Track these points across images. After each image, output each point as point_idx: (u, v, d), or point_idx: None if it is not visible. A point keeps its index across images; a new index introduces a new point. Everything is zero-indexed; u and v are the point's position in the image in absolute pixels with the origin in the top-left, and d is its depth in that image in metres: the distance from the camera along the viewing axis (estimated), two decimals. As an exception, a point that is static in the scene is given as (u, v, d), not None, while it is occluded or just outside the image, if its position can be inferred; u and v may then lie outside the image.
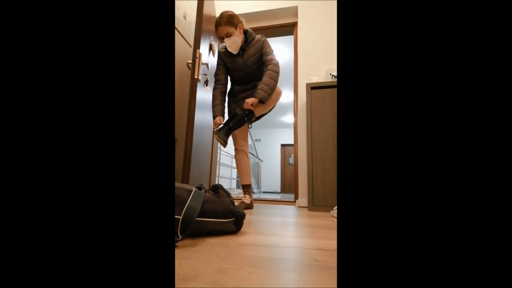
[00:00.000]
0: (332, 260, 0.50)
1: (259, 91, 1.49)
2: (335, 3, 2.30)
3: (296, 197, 2.08)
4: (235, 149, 1.65)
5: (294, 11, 2.45)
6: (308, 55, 2.25)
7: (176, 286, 0.34)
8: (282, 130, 8.67)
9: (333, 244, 0.65)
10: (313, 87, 1.81)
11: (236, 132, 1.63)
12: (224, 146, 1.52)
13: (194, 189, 0.71)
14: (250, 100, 1.47)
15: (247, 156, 1.65)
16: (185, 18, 1.93)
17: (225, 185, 4.30)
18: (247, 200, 1.60)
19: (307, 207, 1.91)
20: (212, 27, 1.89)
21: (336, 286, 0.34)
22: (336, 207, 1.38)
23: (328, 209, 1.60)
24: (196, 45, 1.52)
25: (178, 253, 0.51)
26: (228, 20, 1.49)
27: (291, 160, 8.52)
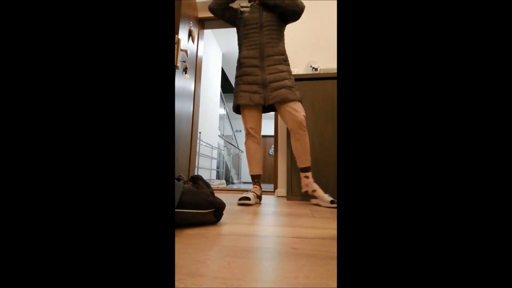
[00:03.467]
0: (309, 247, 0.52)
1: None
2: (317, -5, 2.30)
3: (275, 187, 2.12)
4: (247, 134, 1.48)
5: (276, 0, 2.41)
6: (289, 47, 2.25)
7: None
8: (262, 121, 8.68)
9: (310, 232, 0.67)
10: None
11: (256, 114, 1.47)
12: None
13: (172, 180, 0.70)
14: None
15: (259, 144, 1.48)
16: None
17: (205, 176, 4.26)
18: (258, 191, 1.44)
19: (285, 196, 1.95)
20: (192, 12, 1.81)
21: (335, 286, 0.35)
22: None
23: (305, 198, 1.65)
24: (175, 31, 1.45)
25: (156, 245, 0.50)
26: None
27: (271, 151, 8.61)
